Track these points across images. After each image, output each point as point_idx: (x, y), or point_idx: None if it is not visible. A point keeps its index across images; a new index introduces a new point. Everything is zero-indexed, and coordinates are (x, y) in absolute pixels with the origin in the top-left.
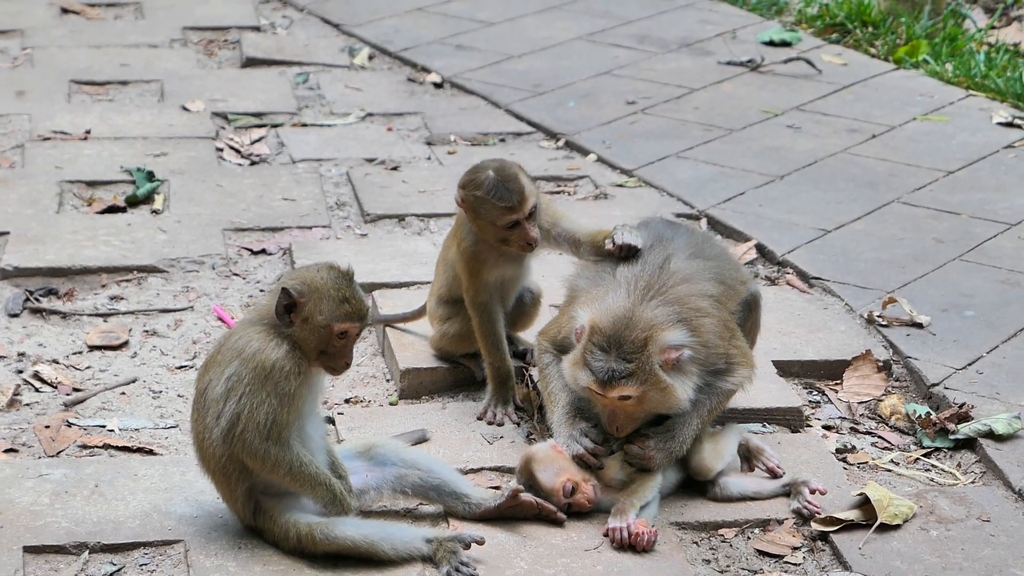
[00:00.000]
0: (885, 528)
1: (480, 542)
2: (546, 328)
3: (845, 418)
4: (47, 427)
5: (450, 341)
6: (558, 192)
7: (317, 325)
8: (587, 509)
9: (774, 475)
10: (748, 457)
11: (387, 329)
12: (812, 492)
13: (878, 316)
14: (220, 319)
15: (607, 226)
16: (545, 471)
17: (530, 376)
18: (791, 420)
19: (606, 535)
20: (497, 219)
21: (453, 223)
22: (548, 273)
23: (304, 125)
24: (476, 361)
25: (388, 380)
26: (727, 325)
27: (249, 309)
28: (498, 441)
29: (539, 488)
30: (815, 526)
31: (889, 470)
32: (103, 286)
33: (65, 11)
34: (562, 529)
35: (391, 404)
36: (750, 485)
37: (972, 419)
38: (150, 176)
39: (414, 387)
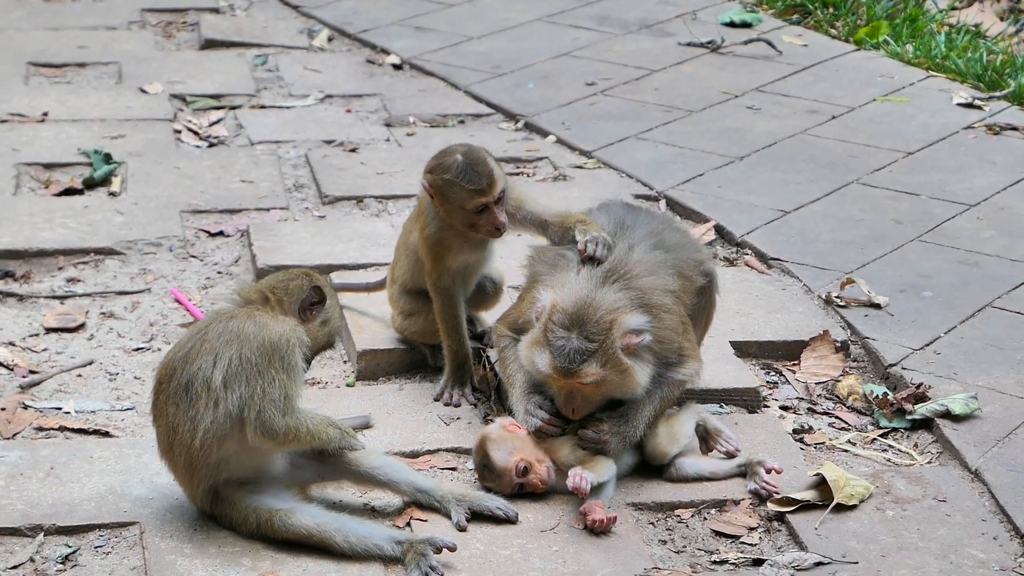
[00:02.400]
0: (841, 508)
1: (452, 548)
2: (505, 314)
3: (802, 399)
4: (3, 409)
5: (412, 334)
6: (517, 173)
7: (325, 329)
8: (540, 490)
9: (731, 457)
10: (706, 438)
11: (344, 311)
12: (768, 472)
13: (836, 297)
14: (177, 301)
15: (573, 208)
16: (498, 451)
17: (487, 357)
18: (748, 401)
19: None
20: (466, 202)
21: (414, 207)
22: (507, 255)
23: (263, 107)
24: (433, 348)
25: (345, 362)
26: (683, 321)
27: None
28: (455, 422)
29: (492, 468)
30: (771, 506)
31: (846, 450)
32: (60, 268)
33: None
34: (518, 510)
35: (348, 385)
36: (706, 466)
37: (929, 399)
38: (107, 158)
39: (371, 369)
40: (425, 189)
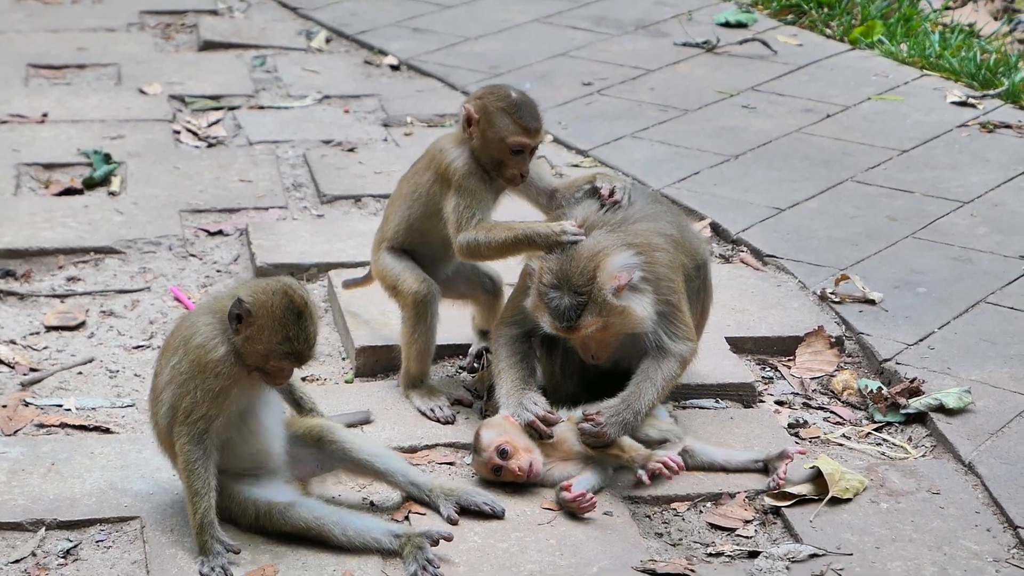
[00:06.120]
0: (836, 501)
1: (448, 538)
2: (505, 306)
3: (797, 393)
4: (4, 406)
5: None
6: None
7: (256, 349)
8: (519, 480)
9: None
10: None
11: (343, 307)
12: (791, 458)
13: (831, 293)
14: (177, 300)
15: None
16: (489, 432)
17: (487, 357)
18: (744, 396)
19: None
20: (510, 136)
21: (419, 159)
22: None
23: (261, 107)
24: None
25: (344, 358)
26: (678, 268)
27: (207, 296)
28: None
29: (478, 446)
30: (768, 500)
31: (841, 444)
32: (60, 267)
33: None
34: (514, 503)
35: (347, 382)
36: (718, 456)
37: (923, 394)
38: (107, 158)
39: (369, 365)
40: (467, 113)
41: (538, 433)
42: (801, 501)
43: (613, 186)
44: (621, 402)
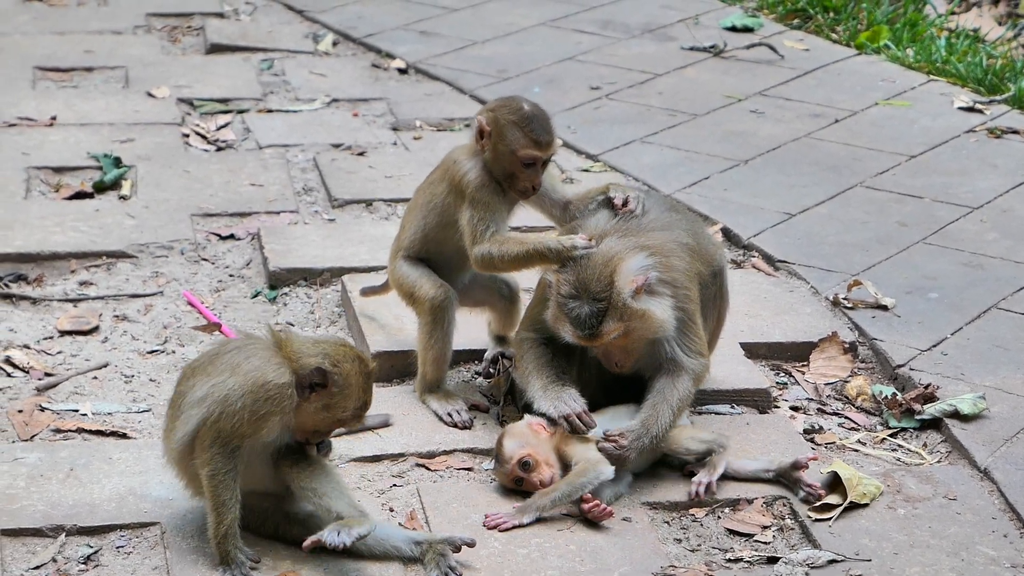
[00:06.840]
0: (853, 506)
1: (471, 544)
2: (525, 313)
3: (812, 399)
4: (20, 411)
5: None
6: None
7: (333, 416)
8: None
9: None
10: None
11: (358, 312)
12: (805, 467)
13: (843, 298)
14: (190, 304)
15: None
16: (512, 441)
17: (502, 362)
18: (759, 401)
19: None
20: (520, 149)
21: (433, 170)
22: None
23: (270, 111)
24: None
25: None
26: (694, 277)
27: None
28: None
29: (500, 456)
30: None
31: (856, 450)
32: (72, 271)
33: None
34: None
35: None
36: (731, 463)
37: (938, 399)
38: (117, 162)
39: (385, 370)
40: (480, 126)
41: (572, 427)
42: (824, 507)
43: (627, 195)
44: (641, 426)
